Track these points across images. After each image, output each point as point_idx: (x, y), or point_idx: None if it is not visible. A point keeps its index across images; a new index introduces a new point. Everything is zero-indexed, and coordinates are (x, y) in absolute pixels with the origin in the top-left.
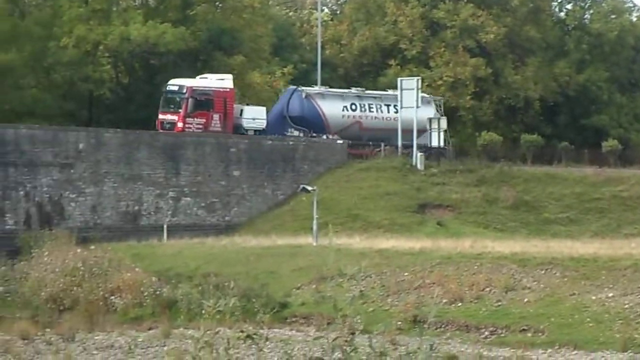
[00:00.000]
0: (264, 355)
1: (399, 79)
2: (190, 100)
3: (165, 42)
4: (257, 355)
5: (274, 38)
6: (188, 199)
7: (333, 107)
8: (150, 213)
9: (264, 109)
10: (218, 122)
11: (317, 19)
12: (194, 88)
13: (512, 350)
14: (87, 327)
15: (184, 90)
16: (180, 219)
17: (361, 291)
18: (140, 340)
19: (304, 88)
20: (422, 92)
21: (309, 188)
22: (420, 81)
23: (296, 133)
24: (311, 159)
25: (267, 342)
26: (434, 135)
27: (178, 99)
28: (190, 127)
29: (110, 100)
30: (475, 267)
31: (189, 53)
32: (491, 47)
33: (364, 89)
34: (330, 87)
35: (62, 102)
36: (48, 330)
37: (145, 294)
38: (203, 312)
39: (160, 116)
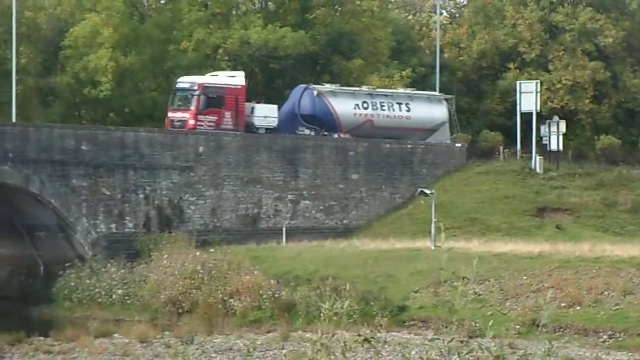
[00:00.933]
0: (381, 359)
1: (517, 82)
2: (202, 97)
3: (285, 46)
4: (375, 358)
5: (393, 42)
6: (307, 202)
7: (345, 105)
8: (269, 216)
9: (275, 107)
10: (230, 119)
11: (435, 22)
12: (206, 85)
13: (630, 354)
14: (206, 330)
15: (195, 88)
16: (299, 222)
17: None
18: (258, 343)
19: (315, 86)
20: (435, 91)
21: (427, 191)
22: (539, 84)
23: (307, 131)
24: (429, 162)
25: (385, 345)
26: (553, 138)
27: (189, 97)
28: (201, 125)
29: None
30: (594, 270)
31: (308, 57)
32: (610, 51)
33: (375, 87)
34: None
35: None
36: (167, 333)
37: (264, 296)
38: (321, 315)
39: (170, 114)
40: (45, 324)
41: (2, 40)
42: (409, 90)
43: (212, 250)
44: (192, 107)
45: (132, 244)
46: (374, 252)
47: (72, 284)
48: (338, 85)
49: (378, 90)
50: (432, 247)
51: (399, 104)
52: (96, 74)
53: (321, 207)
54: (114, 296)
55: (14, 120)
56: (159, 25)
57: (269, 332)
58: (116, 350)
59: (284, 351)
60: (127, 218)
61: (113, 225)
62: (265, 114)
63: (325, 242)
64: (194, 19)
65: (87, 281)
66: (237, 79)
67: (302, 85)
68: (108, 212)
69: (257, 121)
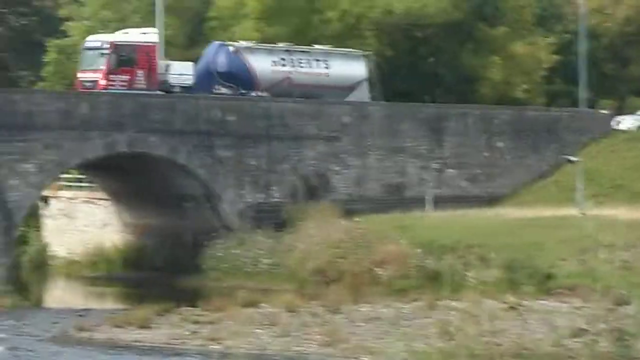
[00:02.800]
0: (528, 326)
1: None
2: (112, 56)
3: (428, 14)
4: (522, 326)
5: (537, 8)
6: (451, 170)
7: (262, 62)
8: (413, 185)
9: (190, 64)
10: (142, 78)
11: None
12: (117, 43)
13: None
14: (352, 299)
15: (106, 46)
16: (444, 191)
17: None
18: (404, 311)
19: (231, 43)
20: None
21: (573, 159)
22: None
23: (224, 90)
24: (575, 130)
25: (532, 314)
26: None
27: (100, 56)
28: (113, 85)
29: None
30: None
31: (452, 24)
32: None
33: (292, 43)
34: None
35: None
36: (314, 302)
37: (410, 265)
38: (467, 283)
39: (80, 75)
40: (193, 294)
41: (147, 12)
42: (327, 47)
43: (357, 219)
44: (103, 67)
45: (279, 214)
46: (520, 220)
47: (219, 254)
48: (254, 42)
49: (295, 47)
50: (579, 215)
51: (317, 60)
52: None
53: (466, 176)
54: (260, 266)
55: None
56: None
57: (414, 300)
58: (263, 319)
59: (430, 320)
60: (273, 188)
61: (259, 195)
62: (181, 71)
63: (470, 210)
64: None
65: (234, 251)
66: (149, 35)
67: (217, 42)
68: (254, 182)
69: (172, 79)
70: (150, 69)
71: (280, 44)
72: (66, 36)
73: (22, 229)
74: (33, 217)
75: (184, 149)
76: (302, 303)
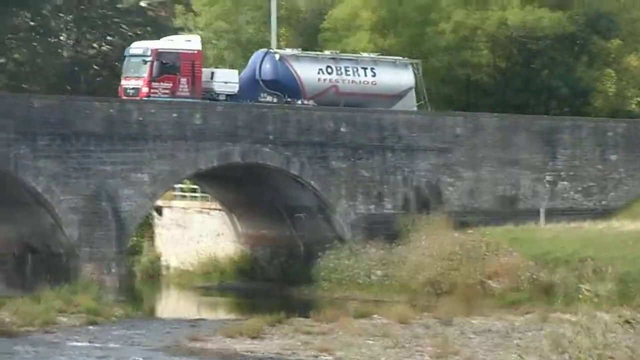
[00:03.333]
0: None
1: None
2: (155, 63)
3: (543, 27)
4: (635, 339)
5: None
6: (565, 183)
7: (308, 70)
8: (527, 197)
9: (236, 72)
10: (186, 86)
11: None
12: (159, 51)
13: None
14: (465, 311)
15: (149, 53)
16: (557, 203)
17: None
18: (517, 324)
19: (276, 50)
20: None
21: None
22: None
23: (269, 98)
24: None
25: None
26: None
27: (142, 63)
28: (155, 93)
29: (487, 84)
30: None
31: (566, 37)
32: None
33: (338, 51)
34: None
35: (440, 86)
36: (425, 314)
37: (522, 278)
38: (580, 296)
39: (123, 82)
40: (305, 304)
41: (261, 23)
42: (373, 55)
43: (469, 231)
44: (145, 74)
45: (391, 225)
46: (634, 233)
47: (331, 264)
48: (300, 49)
49: (342, 54)
50: None
51: (364, 68)
52: None
53: (579, 188)
54: (372, 277)
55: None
56: (417, 7)
57: (527, 313)
58: (375, 331)
59: (542, 332)
60: (385, 199)
61: (372, 207)
62: (226, 79)
63: (584, 223)
64: (452, 1)
65: (346, 262)
66: (193, 43)
67: (263, 50)
68: (367, 193)
69: (217, 87)
70: (194, 77)
71: (327, 52)
72: None
73: (135, 238)
74: (146, 227)
75: (298, 160)
76: (413, 315)
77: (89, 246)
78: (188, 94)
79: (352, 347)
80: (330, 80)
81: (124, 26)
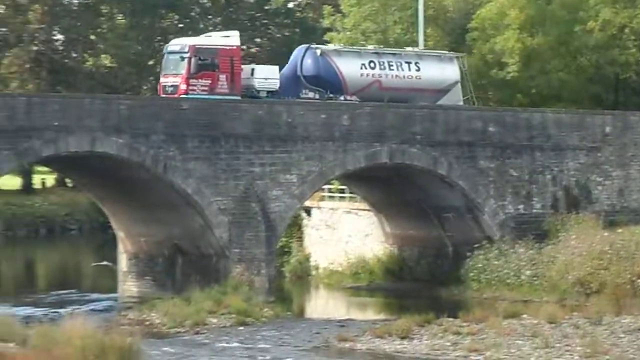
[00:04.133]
0: None
1: None
2: (193, 60)
3: None
4: None
5: None
6: None
7: (350, 65)
8: None
9: (276, 68)
10: (225, 82)
11: None
12: (197, 47)
13: None
14: (614, 311)
15: (186, 50)
16: None
17: None
18: None
19: (318, 45)
20: (444, 49)
21: None
22: None
23: (311, 94)
24: None
25: None
26: None
27: (180, 60)
28: (194, 90)
29: (636, 83)
30: None
31: None
32: None
33: (381, 45)
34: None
35: (588, 85)
36: (575, 313)
37: None
38: None
39: (162, 80)
40: (454, 305)
41: (409, 23)
42: (417, 49)
43: (619, 230)
44: (183, 71)
45: (540, 225)
46: None
47: (480, 265)
48: (342, 44)
49: (385, 49)
50: None
51: (408, 63)
52: (503, 55)
53: None
54: (522, 277)
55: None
56: (565, 5)
57: None
58: (525, 331)
59: None
60: (534, 199)
61: (520, 206)
62: (266, 75)
63: None
64: (600, 0)
65: (495, 262)
66: (231, 39)
67: (304, 45)
68: (515, 193)
69: (258, 83)
70: (233, 73)
71: (369, 47)
72: None
73: (284, 239)
74: (295, 228)
75: (445, 160)
76: (563, 314)
77: (239, 247)
78: (227, 90)
79: (501, 347)
80: (373, 75)
81: (272, 27)
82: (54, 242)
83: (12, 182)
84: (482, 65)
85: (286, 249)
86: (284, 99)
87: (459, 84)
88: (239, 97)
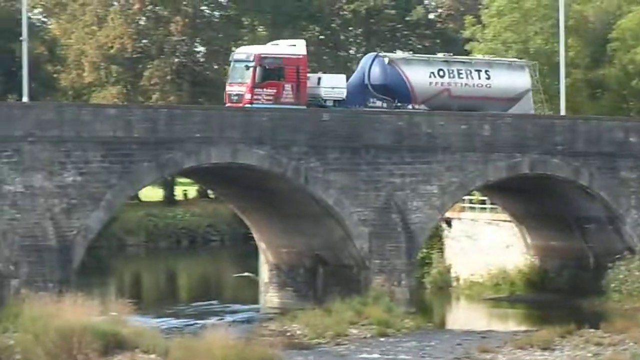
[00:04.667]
0: None
1: None
2: (258, 69)
3: None
4: None
5: None
6: None
7: (419, 73)
8: None
9: (343, 77)
10: (290, 92)
11: None
12: (262, 55)
13: None
14: None
15: (252, 59)
16: None
17: None
18: None
19: (386, 54)
20: (515, 57)
21: None
22: None
23: (379, 103)
24: None
25: None
26: None
27: (246, 69)
28: (258, 100)
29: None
30: None
31: None
32: None
33: (451, 53)
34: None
35: None
36: None
37: None
38: None
39: (228, 88)
40: (595, 316)
41: (550, 34)
42: (487, 57)
43: None
44: (248, 80)
45: None
46: None
47: (621, 276)
48: (411, 52)
49: (455, 57)
50: None
51: (478, 71)
52: None
53: None
54: None
55: (562, 113)
56: None
57: None
58: None
59: None
60: None
61: None
62: (333, 84)
63: None
64: None
65: (637, 273)
66: (297, 48)
67: (372, 54)
68: None
69: (324, 92)
70: (299, 83)
71: (439, 55)
72: None
73: (425, 250)
74: (435, 239)
75: (587, 170)
76: None
77: (380, 258)
78: (293, 100)
79: None
80: (442, 84)
81: (412, 39)
82: (195, 253)
83: (154, 193)
84: (622, 75)
85: (427, 260)
86: (351, 108)
87: (530, 92)
88: (304, 107)
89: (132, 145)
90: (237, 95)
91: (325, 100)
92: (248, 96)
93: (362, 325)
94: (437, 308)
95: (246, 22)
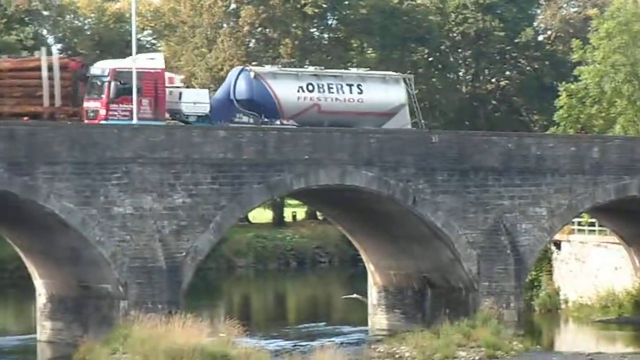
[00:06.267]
0: None
1: None
2: (113, 83)
3: None
4: None
5: None
6: None
7: (287, 88)
8: None
9: (206, 91)
10: (148, 107)
11: None
12: (118, 70)
13: None
14: None
15: (106, 73)
16: None
17: None
18: None
19: (252, 67)
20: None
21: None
22: None
23: (245, 119)
24: None
25: None
26: None
27: (101, 84)
28: (114, 115)
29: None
30: None
31: None
32: None
33: (322, 67)
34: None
35: None
36: None
37: None
38: None
39: (84, 105)
40: None
41: None
42: (360, 71)
43: None
44: (104, 96)
45: None
46: None
47: None
48: (279, 66)
49: (325, 70)
50: None
51: (350, 85)
52: None
53: None
54: None
55: None
56: None
57: None
58: None
59: None
60: None
61: None
62: (195, 99)
63: None
64: None
65: None
66: (155, 62)
67: (238, 67)
68: None
69: (186, 108)
70: (157, 98)
71: (310, 68)
72: (577, 80)
73: (534, 273)
74: (544, 262)
75: None
76: None
77: (488, 280)
78: (151, 116)
79: None
80: (311, 99)
81: (521, 61)
82: (304, 275)
83: (264, 215)
84: None
85: (535, 283)
86: (216, 124)
87: (407, 107)
88: (163, 123)
89: (242, 167)
90: (93, 111)
91: (187, 116)
92: (103, 112)
93: (471, 347)
94: (546, 330)
95: (355, 44)
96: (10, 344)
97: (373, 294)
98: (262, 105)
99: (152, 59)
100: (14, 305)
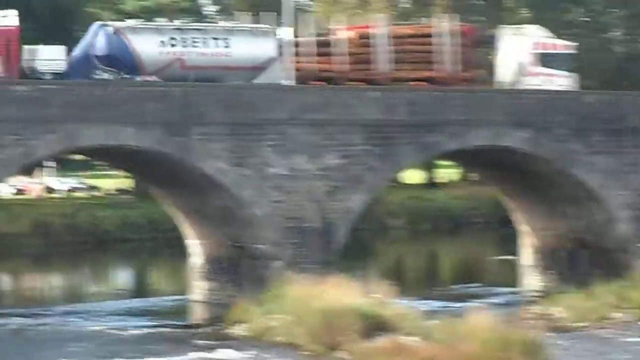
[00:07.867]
0: None
1: None
2: None
3: None
4: None
5: None
6: None
7: (147, 43)
8: None
9: (62, 48)
10: (0, 64)
11: None
12: None
13: None
14: None
15: None
16: None
17: None
18: None
19: (111, 22)
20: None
21: None
22: None
23: (105, 75)
24: None
25: None
26: None
27: None
28: None
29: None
30: None
31: None
32: None
33: (187, 21)
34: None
35: None
36: None
37: None
38: None
39: None
40: None
41: None
42: (228, 24)
43: None
44: None
45: None
46: None
47: None
48: (142, 20)
49: (189, 24)
50: None
51: (215, 39)
52: None
53: None
54: None
55: None
56: None
57: None
58: None
59: None
60: None
61: None
62: (50, 56)
63: None
64: None
65: None
66: (8, 19)
67: (98, 23)
68: None
69: (40, 65)
70: (9, 55)
71: (174, 22)
72: None
73: None
74: None
75: None
76: None
77: None
78: (2, 73)
79: None
80: (174, 54)
81: None
82: (456, 236)
83: (416, 176)
84: None
85: None
86: (74, 80)
87: (278, 61)
88: (15, 78)
89: (393, 128)
90: None
91: (43, 73)
92: None
93: (625, 308)
94: None
95: (509, 4)
96: (164, 304)
97: (525, 255)
98: (121, 61)
99: (5, 16)
100: (168, 265)
